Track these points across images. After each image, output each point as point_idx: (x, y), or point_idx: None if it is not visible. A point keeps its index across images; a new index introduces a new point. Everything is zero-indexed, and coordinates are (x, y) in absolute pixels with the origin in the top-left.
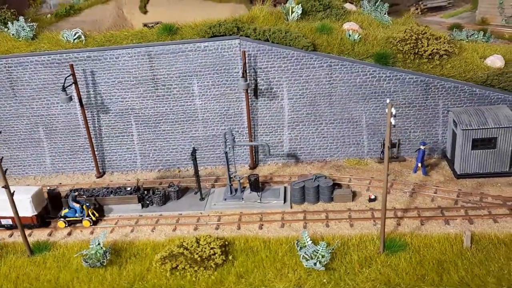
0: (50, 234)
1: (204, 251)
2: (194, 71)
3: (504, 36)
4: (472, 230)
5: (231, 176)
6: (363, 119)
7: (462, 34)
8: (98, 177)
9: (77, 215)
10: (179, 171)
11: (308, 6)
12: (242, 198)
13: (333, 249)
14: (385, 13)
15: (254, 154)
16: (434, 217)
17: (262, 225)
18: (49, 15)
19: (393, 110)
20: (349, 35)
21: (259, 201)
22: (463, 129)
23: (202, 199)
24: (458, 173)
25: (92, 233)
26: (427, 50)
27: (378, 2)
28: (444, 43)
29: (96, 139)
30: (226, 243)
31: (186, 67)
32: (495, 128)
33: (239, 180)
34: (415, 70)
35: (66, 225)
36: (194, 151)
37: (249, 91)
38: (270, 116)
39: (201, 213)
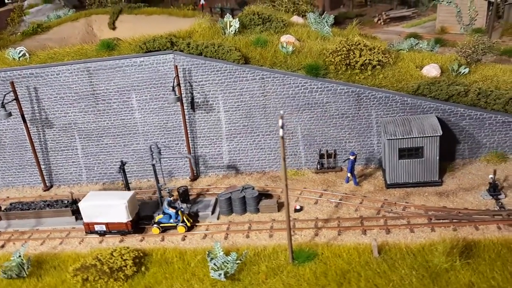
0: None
1: (116, 263)
2: (132, 86)
3: (458, 44)
4: (386, 240)
5: (161, 189)
6: (298, 130)
7: (403, 44)
8: (45, 190)
9: (171, 220)
10: (122, 184)
11: (247, 20)
12: None
13: (241, 259)
14: (329, 25)
15: (195, 166)
16: (352, 227)
17: (185, 236)
18: (14, 35)
19: (280, 122)
20: (283, 48)
21: (187, 212)
22: (388, 139)
23: None
24: (388, 183)
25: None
26: (358, 61)
27: (324, 14)
28: (378, 53)
29: (42, 153)
30: (141, 254)
31: (124, 82)
32: (419, 137)
33: (168, 192)
34: (346, 81)
35: (160, 231)
36: (122, 164)
37: (186, 104)
38: (208, 128)
39: None
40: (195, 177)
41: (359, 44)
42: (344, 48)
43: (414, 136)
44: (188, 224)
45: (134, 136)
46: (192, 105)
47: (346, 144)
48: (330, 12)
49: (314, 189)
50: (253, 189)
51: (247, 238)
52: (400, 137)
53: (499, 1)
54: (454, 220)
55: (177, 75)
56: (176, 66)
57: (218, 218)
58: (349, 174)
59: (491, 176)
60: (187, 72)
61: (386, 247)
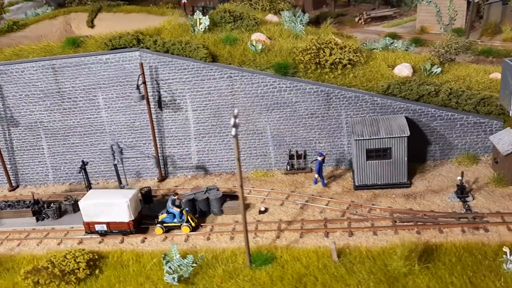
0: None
1: (68, 265)
2: (98, 84)
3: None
4: (348, 243)
5: (122, 189)
6: (268, 130)
7: (376, 44)
8: (10, 191)
9: (175, 220)
10: (85, 185)
11: (218, 17)
12: None
13: (196, 263)
14: (304, 24)
15: (158, 166)
16: (315, 229)
17: (146, 238)
18: None
19: (233, 121)
20: (253, 46)
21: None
22: (355, 139)
23: None
24: (356, 184)
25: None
26: (328, 60)
27: (299, 13)
28: (349, 52)
29: (8, 153)
30: (96, 257)
31: (90, 80)
32: (387, 138)
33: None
34: (316, 80)
35: (164, 231)
36: (83, 164)
37: (153, 103)
38: (176, 128)
39: None
40: (163, 178)
41: (330, 43)
42: (314, 47)
43: (382, 136)
44: (193, 224)
45: (101, 136)
46: (159, 104)
47: (316, 145)
48: (312, 11)
49: (282, 190)
50: (218, 190)
51: (207, 240)
52: (368, 138)
53: (480, 1)
54: (419, 223)
55: (143, 73)
56: (142, 64)
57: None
58: (316, 175)
59: (459, 178)
60: (153, 70)
61: (347, 250)
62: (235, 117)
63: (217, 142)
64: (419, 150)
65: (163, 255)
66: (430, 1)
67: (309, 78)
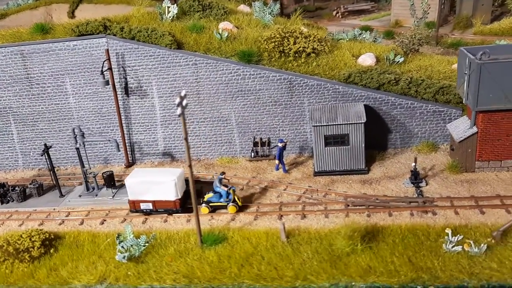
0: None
1: (23, 244)
2: (66, 70)
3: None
4: (299, 225)
5: (86, 174)
6: (232, 118)
7: (343, 35)
8: None
9: (221, 200)
10: (56, 170)
11: (186, 6)
12: (96, 195)
13: (148, 242)
14: (275, 14)
15: (131, 152)
16: (269, 212)
17: (105, 220)
18: None
19: (178, 100)
20: (219, 34)
21: (111, 197)
22: (313, 125)
23: (62, 195)
24: (316, 170)
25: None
26: (292, 48)
27: (270, 3)
28: (314, 41)
29: None
30: (52, 237)
31: (58, 66)
32: (344, 124)
33: (94, 177)
34: (279, 68)
35: (210, 210)
36: (46, 148)
37: (120, 90)
38: (143, 114)
39: (54, 209)
40: (130, 164)
41: (295, 32)
42: (278, 36)
43: (339, 123)
44: (240, 204)
45: (69, 121)
46: (126, 90)
47: (280, 132)
48: (294, 5)
49: (244, 176)
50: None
51: (164, 222)
52: (325, 124)
53: None
54: (370, 206)
55: (108, 59)
56: (107, 50)
57: None
58: (277, 162)
59: (413, 164)
60: (120, 56)
61: (297, 231)
62: (181, 97)
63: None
64: (380, 138)
65: (117, 235)
66: None
67: (273, 66)
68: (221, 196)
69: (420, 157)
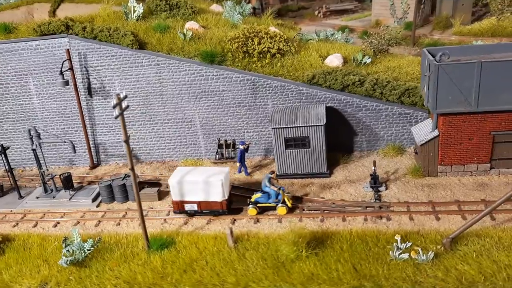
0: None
1: None
2: (29, 70)
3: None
4: (251, 230)
5: (44, 175)
6: (196, 119)
7: (312, 35)
8: None
9: (270, 200)
10: (22, 171)
11: (153, 5)
12: (54, 197)
13: (93, 246)
14: (247, 14)
15: (95, 153)
16: (222, 216)
17: (58, 223)
18: None
19: (114, 101)
20: (183, 34)
21: (68, 199)
22: (272, 128)
23: (21, 197)
24: (277, 173)
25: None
26: (256, 49)
27: (242, 3)
28: (280, 42)
29: None
30: (0, 239)
31: (21, 66)
32: (304, 126)
33: (52, 178)
34: (243, 69)
35: (258, 211)
36: (2, 148)
37: (83, 90)
38: (106, 115)
39: (11, 211)
40: (94, 165)
41: (260, 32)
42: (242, 36)
43: (299, 125)
44: (289, 205)
45: (33, 122)
46: (89, 90)
47: (245, 134)
48: (279, 4)
49: None
50: (137, 177)
51: (117, 226)
52: (284, 126)
53: None
54: (325, 211)
55: (69, 59)
56: (68, 50)
57: (98, 206)
58: (238, 164)
59: (373, 168)
60: (82, 56)
61: (246, 236)
62: (120, 98)
63: (147, 130)
64: (346, 141)
65: (63, 239)
66: None
67: (236, 67)
68: (269, 196)
69: (385, 161)
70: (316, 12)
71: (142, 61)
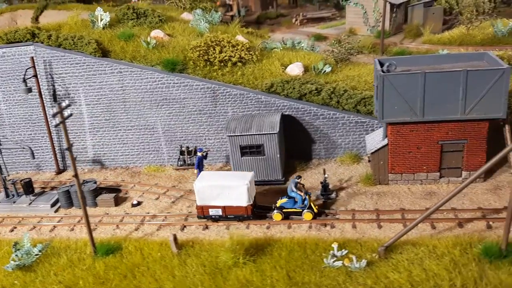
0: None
1: None
2: None
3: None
4: (198, 236)
5: (5, 180)
6: (159, 126)
7: (277, 44)
8: None
9: (296, 206)
10: None
11: (120, 14)
12: (14, 202)
13: (40, 251)
14: (216, 22)
15: (61, 159)
16: (173, 223)
17: (15, 227)
18: None
19: (55, 109)
20: (147, 43)
21: (28, 204)
22: (228, 135)
23: None
24: None
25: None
26: (217, 57)
27: (211, 11)
28: (242, 50)
29: None
30: None
31: None
32: (257, 134)
33: (12, 184)
34: (204, 77)
35: (283, 217)
36: None
37: (49, 97)
38: (71, 121)
39: None
40: (60, 171)
41: (222, 40)
42: (203, 44)
43: (253, 133)
44: (315, 210)
45: (1, 128)
46: (54, 97)
47: (206, 141)
48: (261, 12)
49: (164, 185)
50: (95, 183)
51: (71, 231)
52: (239, 134)
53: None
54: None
55: (34, 67)
56: (33, 58)
57: (56, 211)
58: (196, 171)
59: (325, 176)
60: (48, 64)
61: (191, 243)
62: (61, 107)
63: (111, 136)
64: (304, 148)
65: (13, 243)
66: (357, 3)
67: (197, 75)
68: (295, 202)
69: (341, 168)
70: (294, 20)
71: (105, 69)
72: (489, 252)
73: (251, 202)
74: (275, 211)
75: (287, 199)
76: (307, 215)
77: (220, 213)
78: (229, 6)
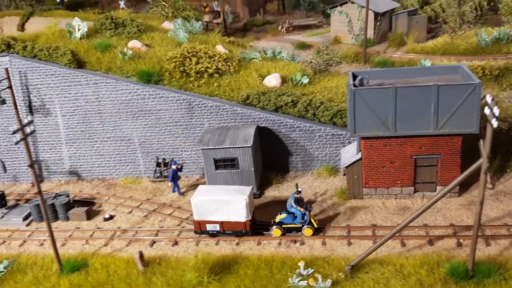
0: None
1: None
2: None
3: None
4: (166, 253)
5: None
6: (135, 137)
7: (256, 54)
8: None
9: (296, 221)
10: None
11: (98, 24)
12: None
13: (5, 268)
14: (197, 32)
15: (38, 171)
16: (142, 239)
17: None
18: None
19: (15, 127)
20: (123, 53)
21: (0, 218)
22: (201, 148)
23: None
24: None
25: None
26: (193, 69)
27: (192, 21)
28: (219, 61)
29: None
30: None
31: None
32: (231, 148)
33: None
34: (179, 88)
35: (283, 233)
36: None
37: (25, 108)
38: (47, 132)
39: None
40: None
41: (199, 51)
42: (179, 55)
43: (226, 146)
44: (316, 226)
45: None
46: (30, 108)
47: (183, 153)
48: (249, 18)
49: (139, 198)
50: (67, 196)
51: (40, 246)
52: (212, 147)
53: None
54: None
55: (8, 78)
56: (7, 69)
57: (28, 225)
58: (170, 184)
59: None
60: (23, 75)
61: (158, 260)
62: (22, 124)
63: (87, 148)
64: (281, 161)
65: None
66: (341, 12)
67: (173, 86)
68: (295, 217)
69: (317, 181)
70: (280, 27)
71: (80, 80)
72: (456, 272)
73: (250, 217)
74: (274, 226)
75: (286, 214)
76: (307, 231)
77: (218, 229)
78: (217, 12)
